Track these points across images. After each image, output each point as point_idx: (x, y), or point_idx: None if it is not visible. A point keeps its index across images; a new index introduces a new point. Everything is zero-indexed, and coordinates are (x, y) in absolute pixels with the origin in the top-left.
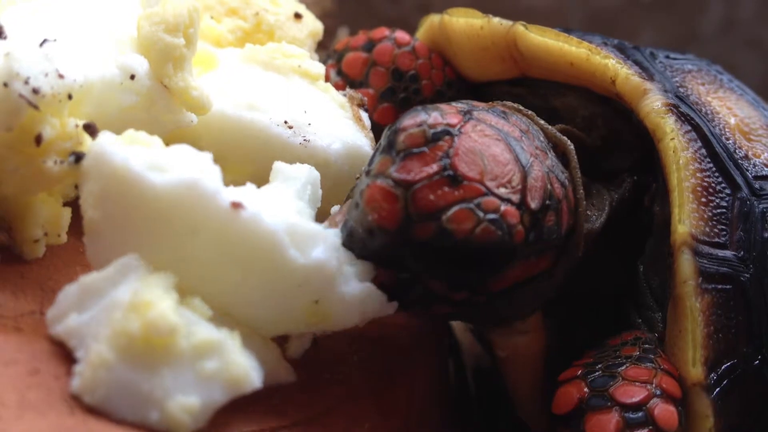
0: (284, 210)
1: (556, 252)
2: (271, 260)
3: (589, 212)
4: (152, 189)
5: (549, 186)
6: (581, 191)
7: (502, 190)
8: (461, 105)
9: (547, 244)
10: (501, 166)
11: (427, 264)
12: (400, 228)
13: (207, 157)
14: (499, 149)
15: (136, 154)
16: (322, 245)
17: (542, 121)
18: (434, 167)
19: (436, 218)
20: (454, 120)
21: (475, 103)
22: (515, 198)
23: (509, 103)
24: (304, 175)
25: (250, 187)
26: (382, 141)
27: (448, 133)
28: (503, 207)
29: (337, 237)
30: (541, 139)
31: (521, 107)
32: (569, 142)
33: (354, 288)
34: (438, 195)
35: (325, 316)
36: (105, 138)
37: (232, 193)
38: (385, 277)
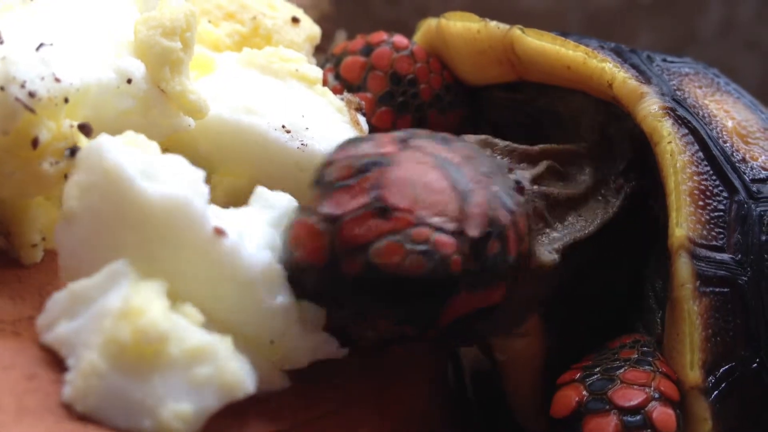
0: (261, 243)
1: (507, 283)
2: (244, 293)
3: (572, 219)
4: (141, 196)
5: (492, 212)
6: (535, 215)
7: (435, 219)
8: (400, 133)
9: (494, 274)
10: (435, 194)
11: (363, 301)
12: (327, 265)
13: (200, 174)
14: (434, 176)
15: (131, 158)
16: (285, 292)
17: (504, 143)
18: (362, 199)
19: (362, 252)
20: (388, 149)
21: (418, 131)
22: (450, 226)
23: (461, 136)
24: (284, 205)
25: (230, 211)
26: (314, 174)
27: (379, 163)
28: (435, 236)
29: None
30: (489, 165)
31: (472, 135)
32: (522, 168)
33: (306, 336)
34: (365, 228)
35: (280, 355)
36: (104, 137)
37: (216, 216)
38: (333, 320)
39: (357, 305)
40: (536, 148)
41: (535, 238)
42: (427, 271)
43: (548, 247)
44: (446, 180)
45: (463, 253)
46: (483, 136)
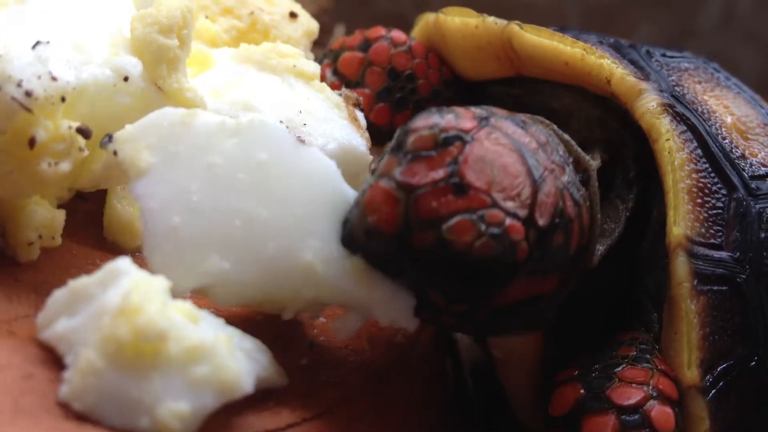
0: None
1: (563, 274)
2: (329, 192)
3: (605, 226)
4: (225, 124)
5: (561, 203)
6: (598, 212)
7: (509, 204)
8: (479, 110)
9: (553, 264)
10: (511, 178)
11: (426, 273)
12: (399, 233)
13: None
14: (511, 160)
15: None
16: None
17: (566, 136)
18: (440, 173)
19: (436, 227)
20: (468, 125)
21: (496, 109)
22: (522, 213)
23: (536, 117)
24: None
25: None
26: (393, 141)
27: (460, 138)
28: (508, 221)
29: None
30: (561, 153)
31: (544, 120)
32: (591, 161)
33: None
34: (441, 202)
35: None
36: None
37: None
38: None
39: (419, 276)
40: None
41: (594, 237)
42: (496, 254)
43: (601, 246)
44: (523, 165)
45: (530, 241)
46: (552, 125)
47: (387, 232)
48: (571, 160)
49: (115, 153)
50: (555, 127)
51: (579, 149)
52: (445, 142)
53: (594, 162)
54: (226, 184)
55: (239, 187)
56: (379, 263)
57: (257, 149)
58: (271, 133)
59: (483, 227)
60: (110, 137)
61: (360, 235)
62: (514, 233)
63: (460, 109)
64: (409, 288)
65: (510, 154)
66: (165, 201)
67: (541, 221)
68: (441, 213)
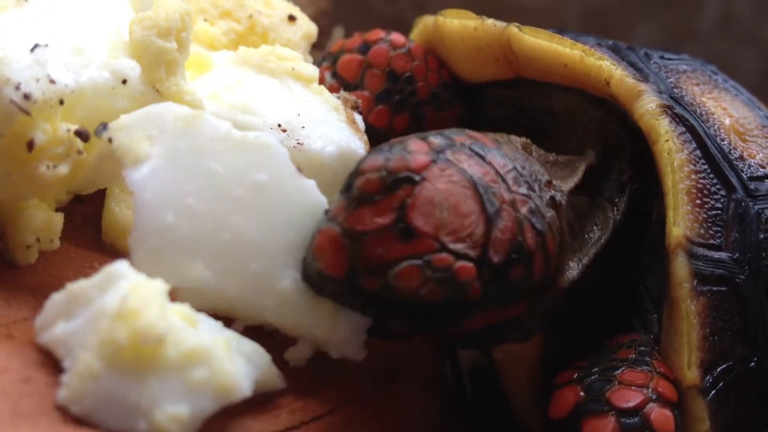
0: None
1: (528, 301)
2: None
3: (591, 235)
4: (230, 133)
5: (520, 237)
6: (566, 232)
7: (458, 246)
8: (438, 140)
9: (514, 295)
10: (462, 218)
11: (384, 312)
12: (347, 279)
13: None
14: (462, 198)
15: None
16: None
17: (542, 151)
18: (387, 219)
19: (382, 273)
20: (419, 163)
21: (457, 136)
22: (473, 253)
23: (510, 137)
24: None
25: None
26: (345, 181)
27: (409, 179)
28: (457, 264)
29: None
30: (527, 175)
31: (518, 138)
32: (561, 186)
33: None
34: (386, 249)
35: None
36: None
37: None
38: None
39: (377, 314)
40: (564, 157)
41: (564, 254)
42: (443, 299)
43: (574, 263)
44: (476, 202)
45: (483, 278)
46: (523, 140)
47: (335, 277)
48: (545, 179)
49: (109, 140)
50: (531, 145)
51: (549, 169)
52: (393, 185)
53: (563, 187)
54: (223, 196)
55: (235, 202)
56: (338, 301)
57: (258, 169)
58: (275, 156)
59: (429, 272)
60: (105, 125)
61: (313, 276)
62: (463, 275)
63: (414, 144)
64: (374, 318)
65: (462, 192)
66: (160, 196)
67: (496, 258)
68: (387, 259)
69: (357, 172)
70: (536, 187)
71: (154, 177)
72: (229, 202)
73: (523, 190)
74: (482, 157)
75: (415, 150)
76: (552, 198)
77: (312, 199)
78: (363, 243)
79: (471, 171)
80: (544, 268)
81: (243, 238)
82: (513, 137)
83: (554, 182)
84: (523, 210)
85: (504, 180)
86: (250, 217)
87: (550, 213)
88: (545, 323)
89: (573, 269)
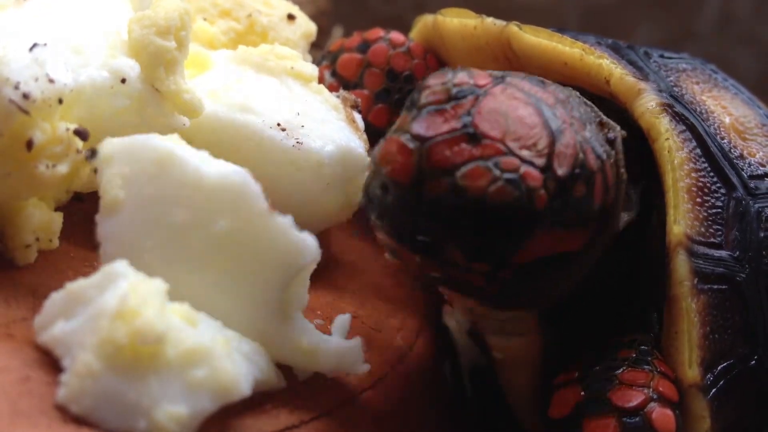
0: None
1: (589, 231)
2: (293, 270)
3: (628, 202)
4: (198, 175)
5: (582, 155)
6: (623, 172)
7: (524, 152)
8: (497, 71)
9: (576, 216)
10: (527, 128)
11: (442, 226)
12: (413, 182)
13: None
14: (526, 112)
15: (182, 145)
16: None
17: (589, 102)
18: (454, 124)
19: (449, 174)
20: (482, 81)
21: (515, 73)
22: (539, 161)
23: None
24: None
25: None
26: (407, 101)
27: (473, 92)
28: (524, 168)
29: None
30: (582, 111)
31: (567, 86)
32: (616, 125)
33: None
34: (454, 151)
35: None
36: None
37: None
38: (405, 252)
39: (435, 232)
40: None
41: (619, 198)
42: (512, 200)
43: (621, 214)
44: (539, 117)
45: (548, 189)
46: (571, 88)
47: (401, 182)
48: (597, 120)
49: (95, 171)
50: (577, 93)
51: (601, 115)
52: (458, 96)
53: (617, 127)
54: (180, 248)
55: (192, 253)
56: (396, 222)
57: (223, 214)
58: (244, 197)
59: (498, 173)
60: (93, 152)
61: (376, 189)
62: (530, 180)
63: (474, 69)
64: (427, 249)
65: (525, 107)
66: (120, 250)
67: (560, 171)
68: (455, 161)
69: (422, 87)
70: (592, 122)
71: (118, 230)
72: (187, 255)
73: (580, 116)
74: (543, 84)
75: (477, 72)
76: (606, 135)
77: (285, 239)
78: (431, 146)
79: (531, 92)
80: (603, 195)
81: (199, 293)
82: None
83: (606, 121)
84: (584, 133)
85: (563, 105)
86: (207, 269)
87: (607, 147)
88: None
89: (622, 218)
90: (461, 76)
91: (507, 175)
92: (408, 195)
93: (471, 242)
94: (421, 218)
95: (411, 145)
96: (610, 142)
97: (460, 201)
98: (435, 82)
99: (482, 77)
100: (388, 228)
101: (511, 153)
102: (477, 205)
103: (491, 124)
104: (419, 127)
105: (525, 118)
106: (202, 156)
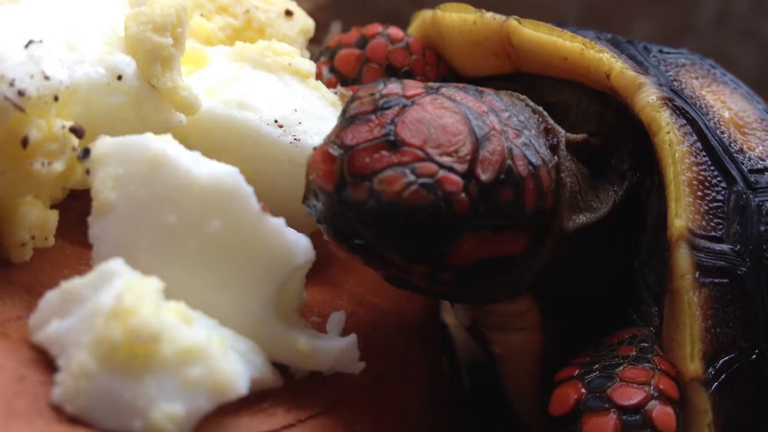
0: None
1: (527, 235)
2: (286, 268)
3: (593, 204)
4: (190, 177)
5: (509, 161)
6: (564, 177)
7: (444, 158)
8: (434, 83)
9: (506, 221)
10: (449, 136)
11: (371, 230)
12: (336, 188)
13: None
14: (452, 120)
15: (174, 145)
16: None
17: (540, 108)
18: (376, 132)
19: (368, 179)
20: (411, 92)
21: (456, 84)
22: (460, 167)
23: (510, 92)
24: None
25: None
26: (341, 111)
27: (400, 103)
28: (441, 173)
29: None
30: (523, 119)
31: (518, 95)
32: (561, 130)
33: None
34: (374, 158)
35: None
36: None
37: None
38: (344, 250)
39: (366, 235)
40: (579, 136)
41: (562, 201)
42: (428, 204)
43: (573, 216)
44: (465, 125)
45: (470, 194)
46: (522, 96)
47: (326, 188)
48: (542, 127)
49: (87, 172)
50: (527, 99)
51: (551, 120)
52: (384, 106)
53: (561, 132)
54: (175, 249)
55: (187, 254)
56: (331, 226)
57: (214, 215)
58: (236, 198)
59: (413, 177)
60: (86, 152)
61: (309, 196)
62: (448, 185)
63: (410, 81)
64: (367, 253)
65: (452, 116)
66: (114, 250)
67: (484, 176)
68: (374, 167)
69: (352, 98)
70: (532, 129)
71: (110, 230)
72: (181, 255)
73: (516, 124)
74: (478, 94)
75: (409, 84)
76: (549, 141)
77: (277, 240)
78: (352, 153)
79: (463, 101)
80: (537, 200)
81: (194, 290)
82: (519, 95)
83: (552, 127)
84: (516, 141)
85: (497, 114)
86: (201, 268)
87: (545, 151)
88: (540, 300)
89: (571, 222)
90: (391, 87)
91: (422, 180)
92: (333, 201)
93: (400, 245)
94: (350, 223)
95: (335, 153)
96: (553, 148)
97: (379, 206)
98: (364, 93)
99: (413, 88)
100: (327, 231)
101: (430, 159)
102: (395, 208)
103: (412, 132)
104: (344, 136)
105: (449, 126)
106: (195, 157)
